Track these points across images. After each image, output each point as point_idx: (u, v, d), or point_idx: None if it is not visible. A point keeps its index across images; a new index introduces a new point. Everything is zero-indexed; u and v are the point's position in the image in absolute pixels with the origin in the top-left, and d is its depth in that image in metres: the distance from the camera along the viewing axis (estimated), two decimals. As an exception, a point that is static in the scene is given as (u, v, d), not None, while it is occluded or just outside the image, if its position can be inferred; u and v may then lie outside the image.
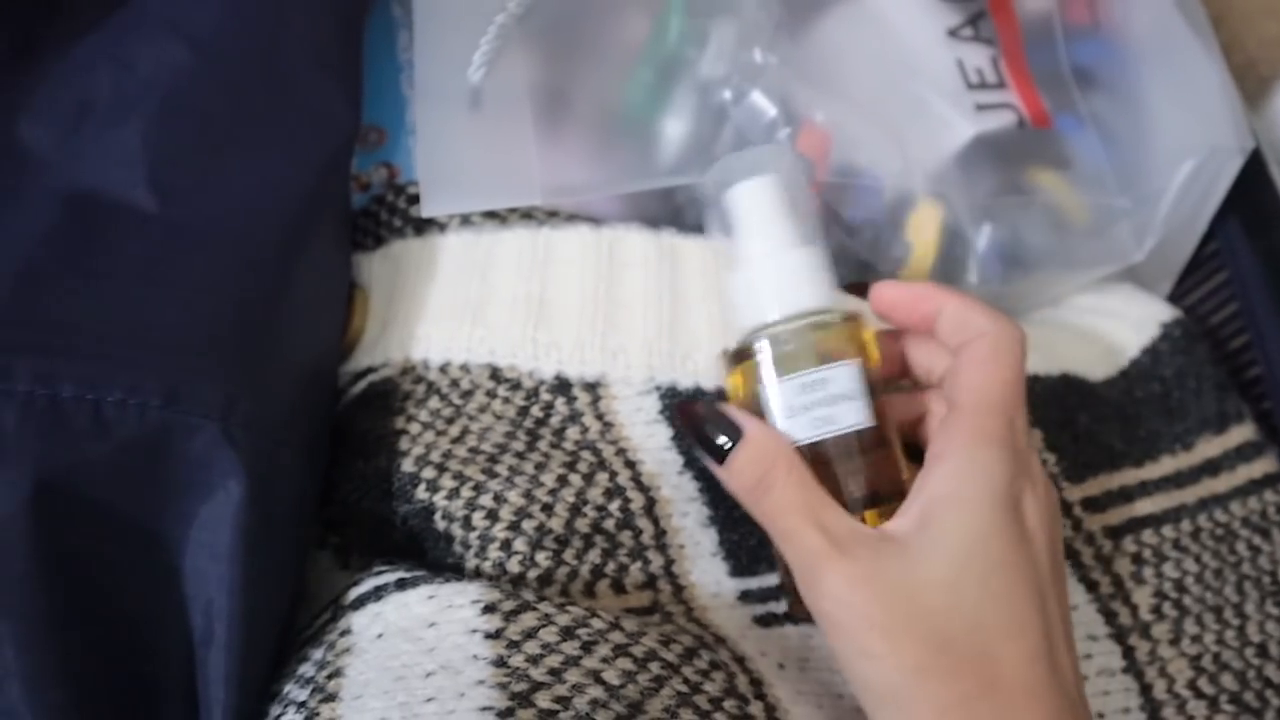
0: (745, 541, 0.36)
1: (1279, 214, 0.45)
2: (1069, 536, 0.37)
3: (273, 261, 0.35)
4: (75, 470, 0.30)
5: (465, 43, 0.41)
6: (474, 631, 0.30)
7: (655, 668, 0.30)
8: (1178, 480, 0.40)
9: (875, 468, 0.33)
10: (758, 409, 0.33)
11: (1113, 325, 0.44)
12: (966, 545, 0.29)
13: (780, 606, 0.36)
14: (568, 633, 0.30)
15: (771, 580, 0.36)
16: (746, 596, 0.36)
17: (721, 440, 0.32)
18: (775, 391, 0.33)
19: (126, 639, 0.31)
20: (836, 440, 0.32)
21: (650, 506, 0.36)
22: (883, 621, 0.29)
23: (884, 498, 0.33)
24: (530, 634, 0.30)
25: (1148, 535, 0.39)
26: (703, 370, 0.38)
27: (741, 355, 0.34)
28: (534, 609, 0.30)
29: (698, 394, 0.38)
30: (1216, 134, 0.42)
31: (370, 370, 0.39)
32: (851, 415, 0.32)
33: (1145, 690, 0.35)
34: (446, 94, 0.40)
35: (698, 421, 0.33)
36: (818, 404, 0.32)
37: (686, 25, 0.42)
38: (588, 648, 0.29)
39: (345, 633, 0.32)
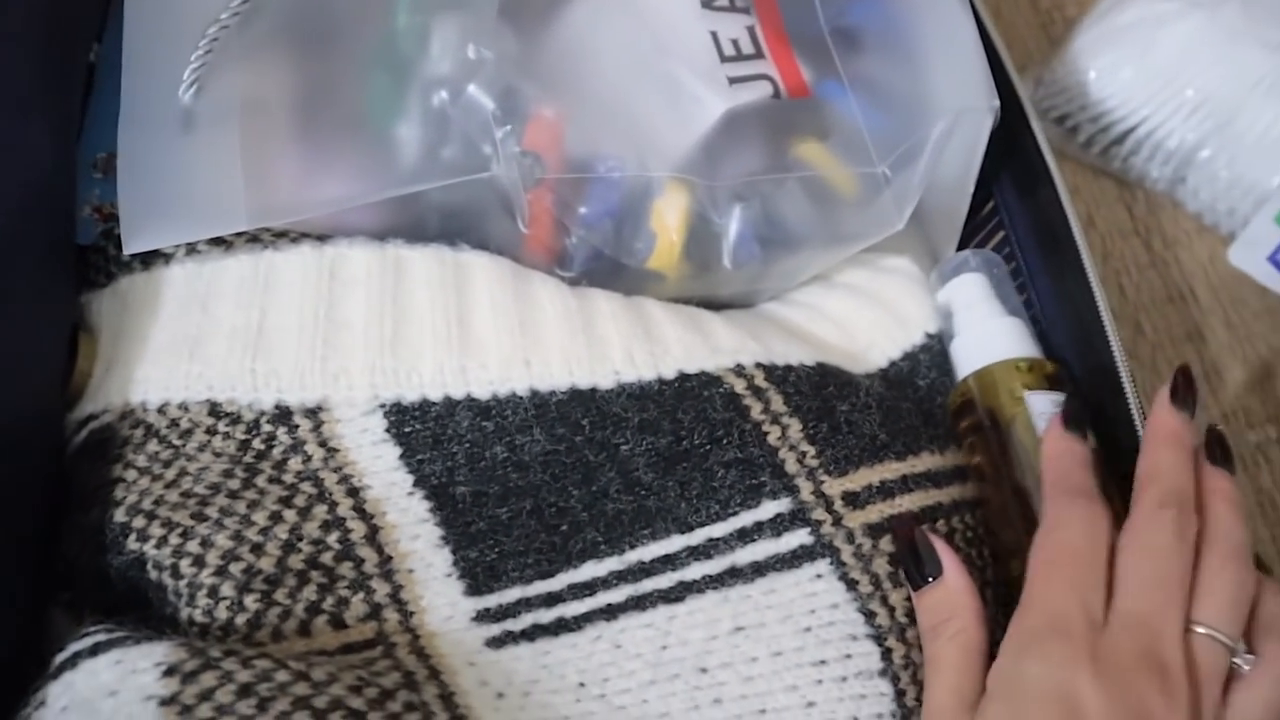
0: (483, 558, 0.35)
1: (1044, 170, 0.44)
2: (829, 533, 0.36)
3: (-51, 318, 0.33)
4: None
5: (178, 57, 0.39)
6: (149, 698, 0.29)
7: (337, 718, 0.29)
8: (935, 479, 0.39)
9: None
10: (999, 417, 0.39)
11: (880, 320, 0.43)
12: None
13: (517, 624, 0.35)
14: (245, 690, 0.29)
15: (510, 596, 0.35)
16: (482, 616, 0.35)
17: (924, 571, 0.35)
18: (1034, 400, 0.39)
19: None
20: None
21: (373, 534, 0.35)
22: None
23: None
24: (206, 695, 0.29)
25: None
26: (428, 382, 0.37)
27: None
28: (216, 667, 0.29)
29: (424, 406, 0.37)
30: (966, 95, 0.41)
31: (92, 418, 0.37)
32: None
33: (899, 696, 0.34)
34: (154, 116, 0.38)
35: (909, 542, 0.36)
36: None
37: (411, 21, 0.41)
38: (264, 705, 0.29)
39: (40, 705, 0.31)
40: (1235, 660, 0.32)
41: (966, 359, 0.42)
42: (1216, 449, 0.35)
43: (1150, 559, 0.33)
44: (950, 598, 0.34)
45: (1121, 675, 0.31)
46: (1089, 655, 0.31)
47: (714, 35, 0.44)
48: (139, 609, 0.34)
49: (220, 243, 0.39)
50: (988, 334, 0.42)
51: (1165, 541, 0.33)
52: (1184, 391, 0.36)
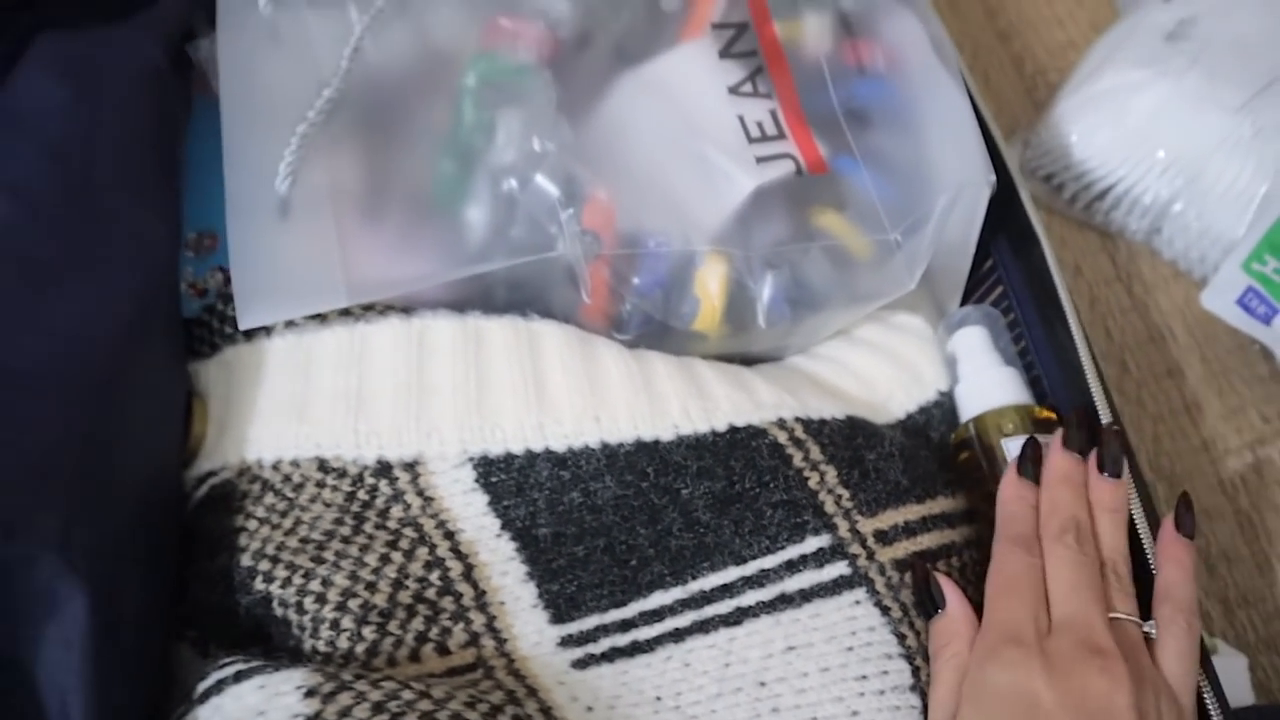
0: (564, 590, 0.40)
1: (1032, 233, 0.49)
2: (864, 565, 0.41)
3: (98, 391, 0.38)
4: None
5: (272, 152, 0.44)
6: (296, 716, 0.33)
7: (459, 729, 0.34)
8: (949, 520, 0.44)
9: None
10: (994, 456, 0.45)
11: (898, 376, 0.48)
12: None
13: (597, 648, 0.40)
14: (378, 708, 0.34)
15: (590, 623, 0.40)
16: (566, 641, 0.40)
17: (931, 601, 0.41)
18: (1010, 445, 0.45)
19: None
20: None
21: (469, 571, 0.40)
22: None
23: None
24: (345, 713, 0.33)
25: None
26: (511, 437, 0.42)
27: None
28: (350, 688, 0.34)
29: (508, 459, 0.42)
30: (965, 169, 0.47)
31: (211, 474, 0.42)
32: None
33: (926, 710, 0.39)
34: (255, 205, 0.43)
35: (923, 579, 0.41)
36: None
37: (477, 117, 0.46)
38: (396, 719, 0.33)
39: (191, 727, 0.35)
40: (1144, 630, 0.39)
41: (967, 404, 0.48)
42: (1104, 462, 0.42)
43: (1067, 572, 0.39)
44: (950, 625, 0.40)
45: (1068, 667, 0.36)
46: (1039, 657, 0.37)
47: (740, 119, 0.49)
48: (262, 642, 0.39)
49: (316, 316, 0.44)
50: (986, 383, 0.48)
51: (1072, 558, 0.39)
52: (1075, 433, 0.43)
